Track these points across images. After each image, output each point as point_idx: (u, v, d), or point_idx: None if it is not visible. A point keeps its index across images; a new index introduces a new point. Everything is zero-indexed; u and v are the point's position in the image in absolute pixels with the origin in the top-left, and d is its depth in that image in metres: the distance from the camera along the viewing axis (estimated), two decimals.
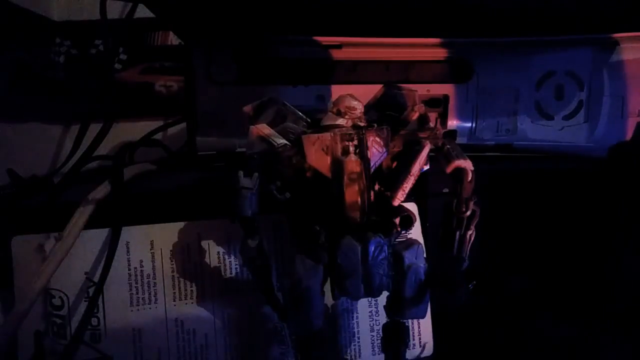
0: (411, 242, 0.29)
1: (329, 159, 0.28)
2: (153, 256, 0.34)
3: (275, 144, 0.29)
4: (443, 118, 0.43)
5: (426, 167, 0.30)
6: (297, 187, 0.29)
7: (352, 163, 0.27)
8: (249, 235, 0.29)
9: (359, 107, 0.30)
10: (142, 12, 0.51)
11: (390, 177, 0.30)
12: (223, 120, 0.41)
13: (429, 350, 0.37)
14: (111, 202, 0.34)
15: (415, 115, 0.31)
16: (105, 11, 0.46)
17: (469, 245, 0.29)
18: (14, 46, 0.52)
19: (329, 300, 0.30)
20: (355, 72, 0.42)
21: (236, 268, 0.35)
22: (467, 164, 0.29)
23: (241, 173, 0.28)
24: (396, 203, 0.29)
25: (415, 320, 0.36)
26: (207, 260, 0.35)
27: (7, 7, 0.48)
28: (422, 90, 0.42)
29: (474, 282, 0.30)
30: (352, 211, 0.27)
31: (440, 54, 0.42)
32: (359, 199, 0.27)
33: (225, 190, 0.28)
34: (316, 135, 0.28)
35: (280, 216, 0.35)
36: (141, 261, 0.34)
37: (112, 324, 0.33)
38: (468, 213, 0.29)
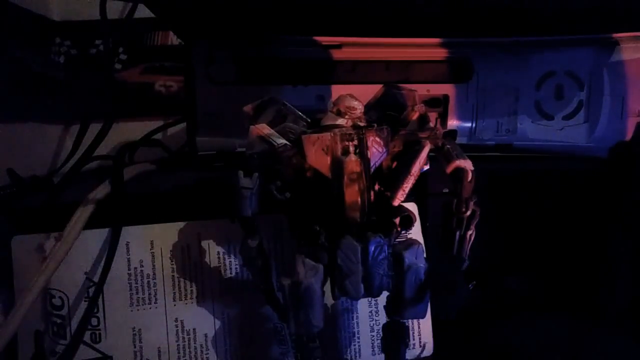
0: (411, 242, 0.29)
1: (329, 159, 0.28)
2: (153, 256, 0.34)
3: (275, 144, 0.29)
4: (443, 118, 0.43)
5: (426, 167, 0.30)
6: (297, 187, 0.29)
7: (352, 163, 0.27)
8: (249, 235, 0.29)
9: (359, 107, 0.30)
10: (142, 12, 0.51)
11: (390, 177, 0.30)
12: (223, 120, 0.41)
13: (429, 350, 0.37)
14: (111, 202, 0.34)
15: (415, 115, 0.31)
16: (105, 11, 0.46)
17: (469, 245, 0.29)
18: (14, 46, 0.52)
19: (329, 300, 0.30)
20: (355, 72, 0.42)
21: (236, 268, 0.35)
22: (467, 164, 0.29)
23: (241, 173, 0.28)
24: (396, 203, 0.29)
25: (415, 320, 0.36)
26: (207, 260, 0.35)
27: (6, 7, 0.48)
28: (422, 90, 0.42)
29: (474, 282, 0.30)
30: (352, 211, 0.27)
31: (440, 54, 0.42)
32: (359, 199, 0.27)
33: (225, 190, 0.28)
34: (316, 135, 0.28)
35: (280, 216, 0.35)
36: (141, 261, 0.34)
37: (112, 324, 0.33)
38: (468, 213, 0.29)
